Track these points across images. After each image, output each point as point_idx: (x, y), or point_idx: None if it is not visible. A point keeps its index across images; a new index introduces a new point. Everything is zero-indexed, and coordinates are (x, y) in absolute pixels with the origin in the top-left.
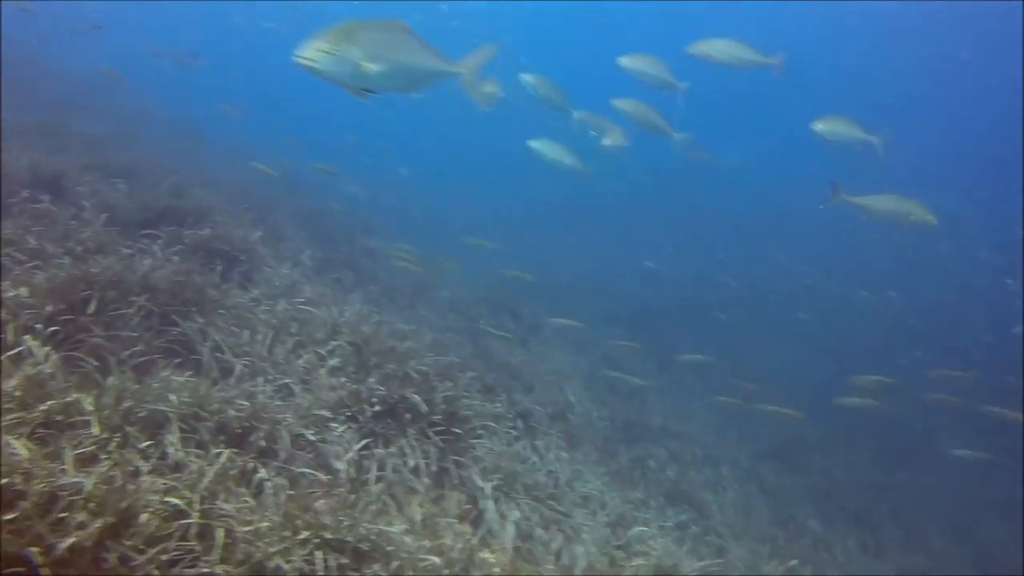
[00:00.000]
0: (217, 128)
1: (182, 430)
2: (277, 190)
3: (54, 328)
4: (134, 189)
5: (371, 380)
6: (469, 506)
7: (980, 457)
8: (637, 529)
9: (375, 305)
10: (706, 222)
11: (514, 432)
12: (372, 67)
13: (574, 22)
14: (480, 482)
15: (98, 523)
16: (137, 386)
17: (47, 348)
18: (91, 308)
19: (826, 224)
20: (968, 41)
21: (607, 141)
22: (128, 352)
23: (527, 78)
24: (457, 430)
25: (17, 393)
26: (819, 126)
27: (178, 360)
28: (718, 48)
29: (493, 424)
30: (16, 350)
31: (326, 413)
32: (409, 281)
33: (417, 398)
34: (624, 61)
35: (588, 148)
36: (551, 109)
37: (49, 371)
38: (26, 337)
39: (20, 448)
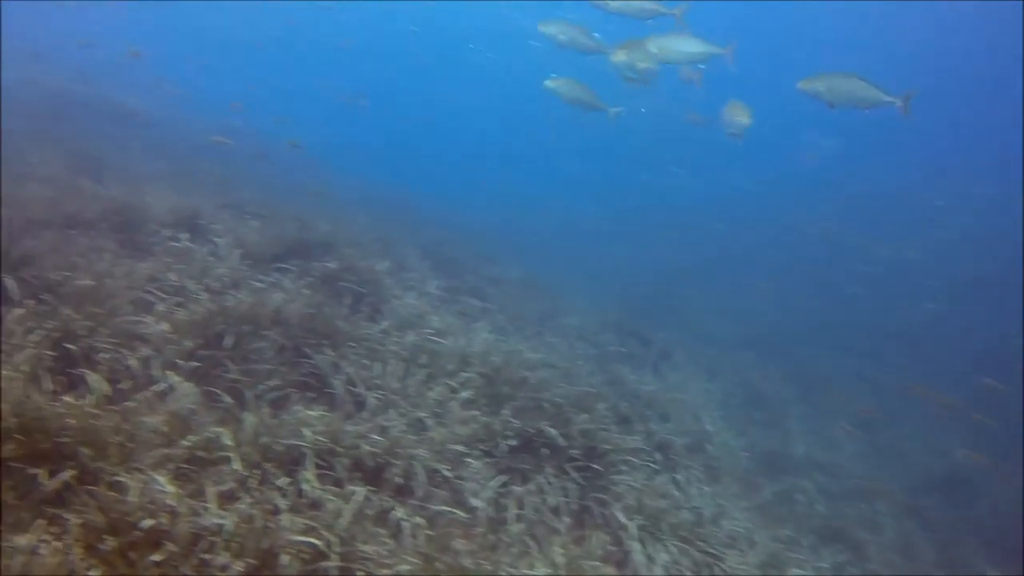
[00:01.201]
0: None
1: (318, 466)
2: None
3: (195, 363)
4: (265, 224)
5: (504, 412)
6: (613, 547)
7: None
8: (794, 572)
9: (502, 334)
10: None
11: (653, 465)
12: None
13: None
14: (624, 520)
15: (240, 565)
16: (274, 421)
17: (189, 383)
18: (228, 343)
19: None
20: None
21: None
22: (264, 386)
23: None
24: (596, 465)
25: (163, 429)
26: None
27: (311, 394)
28: (835, 85)
29: (633, 459)
30: (160, 385)
31: (461, 448)
32: (535, 308)
33: (553, 431)
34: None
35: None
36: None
37: (191, 407)
38: (169, 373)
39: (167, 485)
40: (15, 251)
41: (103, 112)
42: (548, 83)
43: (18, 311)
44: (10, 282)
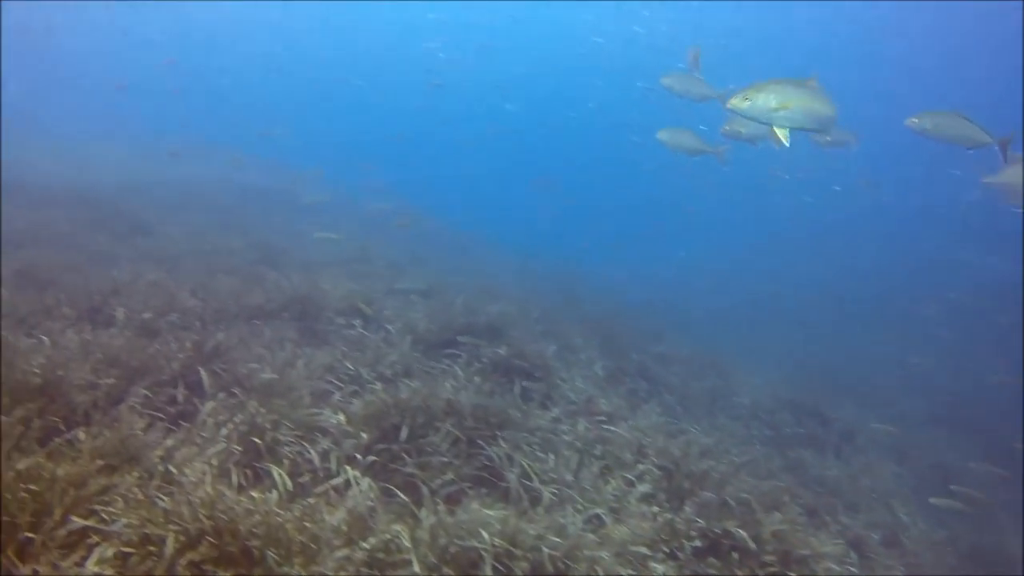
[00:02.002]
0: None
1: (496, 570)
2: (559, 291)
3: (372, 457)
4: (433, 309)
5: (687, 510)
6: None
7: None
8: None
9: (672, 416)
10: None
11: (852, 569)
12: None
13: None
14: None
15: None
16: (450, 518)
17: (367, 479)
18: (403, 435)
19: None
20: None
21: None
22: (439, 481)
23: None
24: (792, 574)
25: (343, 528)
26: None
27: (484, 489)
28: (940, 124)
29: (834, 566)
30: (339, 479)
31: (643, 550)
32: (704, 387)
33: (743, 533)
34: None
35: None
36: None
37: (370, 504)
38: (348, 467)
39: None
40: (209, 343)
41: (279, 201)
42: (661, 135)
43: (210, 404)
44: (204, 375)
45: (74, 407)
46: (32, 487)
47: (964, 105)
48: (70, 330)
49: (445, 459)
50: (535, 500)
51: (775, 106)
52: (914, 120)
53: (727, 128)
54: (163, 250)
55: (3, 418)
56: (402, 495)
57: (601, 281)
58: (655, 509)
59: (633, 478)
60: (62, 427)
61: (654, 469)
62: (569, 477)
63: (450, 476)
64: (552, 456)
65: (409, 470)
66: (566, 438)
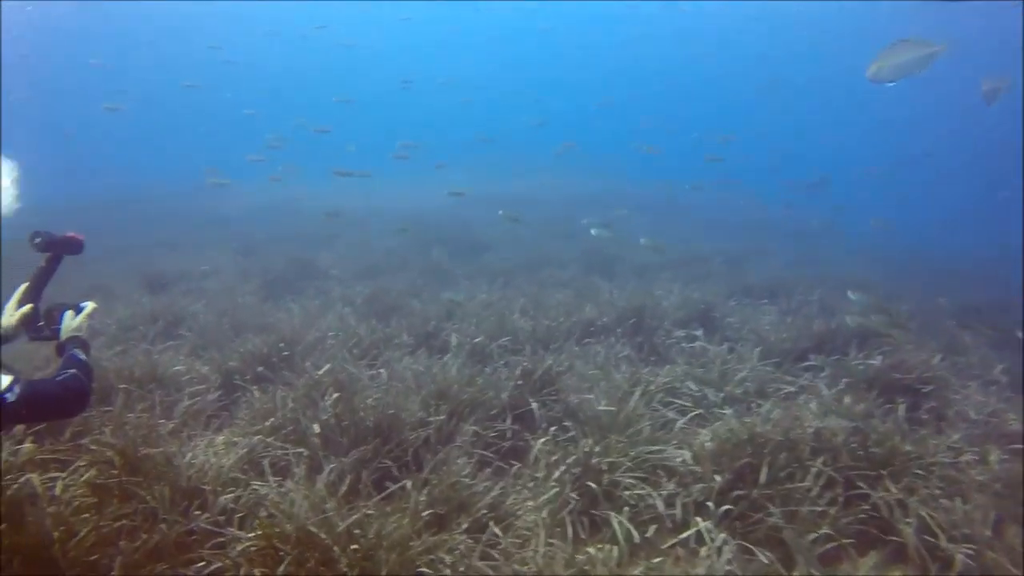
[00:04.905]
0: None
1: None
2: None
3: (727, 507)
4: (783, 312)
5: None
6: None
7: None
8: None
9: None
10: None
11: None
12: None
13: None
14: None
15: None
16: None
17: (722, 534)
18: (762, 477)
19: None
20: None
21: None
22: (811, 537)
23: None
24: None
25: None
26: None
27: (871, 548)
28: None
29: None
30: (687, 533)
31: None
32: None
33: None
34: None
35: None
36: None
37: (727, 568)
38: (697, 518)
39: None
40: (538, 370)
41: (607, 205)
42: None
43: (540, 442)
44: (535, 407)
45: (405, 447)
46: (355, 547)
47: (965, 105)
48: (408, 357)
49: (817, 508)
50: (945, 564)
51: None
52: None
53: None
54: (495, 265)
55: (344, 460)
56: (765, 555)
57: (970, 264)
58: None
59: None
60: (395, 472)
61: None
62: (988, 532)
63: (825, 530)
64: (959, 501)
65: (773, 521)
66: (975, 475)
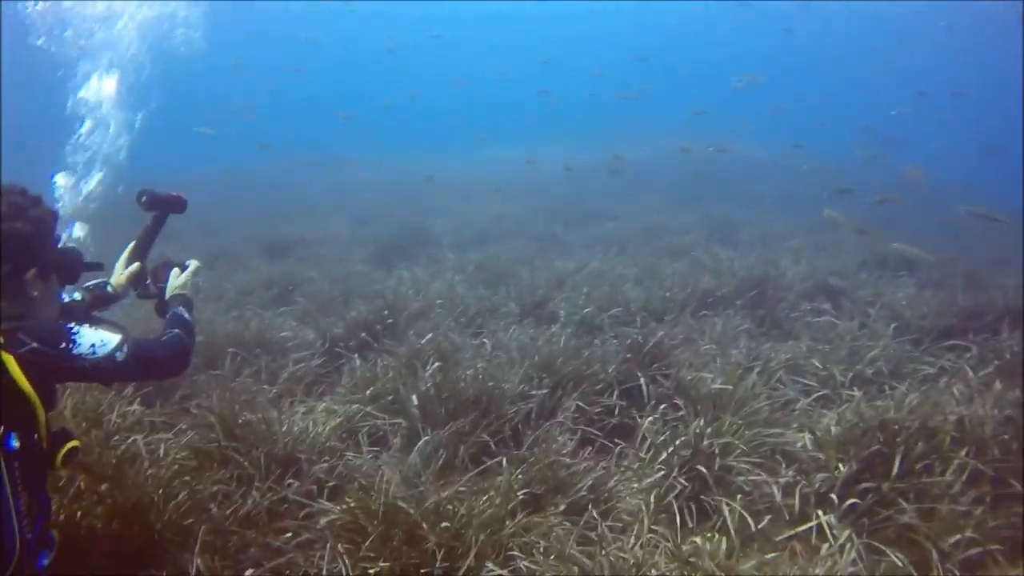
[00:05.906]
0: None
1: None
2: None
3: (853, 500)
4: (923, 286)
5: None
6: None
7: None
8: None
9: None
10: None
11: None
12: None
13: None
14: None
15: None
16: None
17: (847, 530)
18: (896, 469)
19: None
20: None
21: None
22: (953, 540)
23: None
24: None
25: None
26: None
27: (1018, 551)
28: None
29: None
30: (806, 526)
31: None
32: None
33: None
34: None
35: None
36: None
37: (850, 569)
38: (819, 511)
39: None
40: (649, 343)
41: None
42: None
43: (648, 421)
44: (644, 383)
45: (504, 421)
46: (446, 525)
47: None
48: (516, 326)
49: (961, 507)
50: None
51: None
52: None
53: None
54: (612, 234)
55: (441, 433)
56: (897, 557)
57: None
58: None
59: None
60: (492, 447)
61: None
62: None
63: (969, 533)
64: None
65: (906, 520)
66: None
